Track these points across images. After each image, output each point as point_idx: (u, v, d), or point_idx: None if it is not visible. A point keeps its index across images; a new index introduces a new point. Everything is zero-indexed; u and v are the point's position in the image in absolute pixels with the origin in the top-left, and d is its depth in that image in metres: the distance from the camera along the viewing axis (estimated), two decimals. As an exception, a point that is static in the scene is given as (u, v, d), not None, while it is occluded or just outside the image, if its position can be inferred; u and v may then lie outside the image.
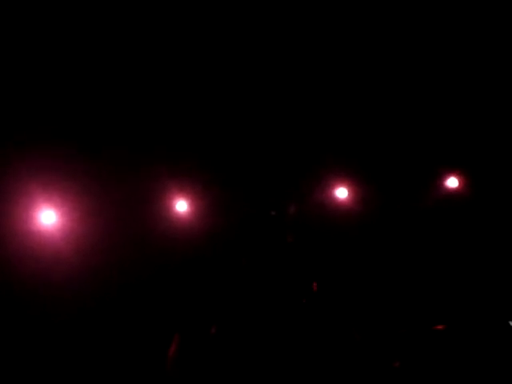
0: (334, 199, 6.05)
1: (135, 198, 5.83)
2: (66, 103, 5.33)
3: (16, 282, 5.26)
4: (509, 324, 5.33)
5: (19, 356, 5.11)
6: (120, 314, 5.48)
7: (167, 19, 4.93)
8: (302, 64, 5.25)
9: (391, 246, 5.98)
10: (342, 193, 6.05)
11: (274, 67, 5.25)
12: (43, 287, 5.35)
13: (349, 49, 5.15)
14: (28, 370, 5.08)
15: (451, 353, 5.50)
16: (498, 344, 5.30)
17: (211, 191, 5.99)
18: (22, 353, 5.16)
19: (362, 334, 5.58)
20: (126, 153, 5.60)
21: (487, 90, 5.24)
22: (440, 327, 5.63)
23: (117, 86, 5.32)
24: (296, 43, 5.11)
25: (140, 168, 5.71)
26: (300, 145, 5.80)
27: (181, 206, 5.92)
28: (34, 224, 5.35)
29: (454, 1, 4.81)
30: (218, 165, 5.83)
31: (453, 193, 5.87)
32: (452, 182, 5.90)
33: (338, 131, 5.74)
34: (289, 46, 5.12)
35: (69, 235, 5.42)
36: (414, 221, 5.96)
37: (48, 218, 5.39)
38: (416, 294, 5.85)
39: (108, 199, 5.70)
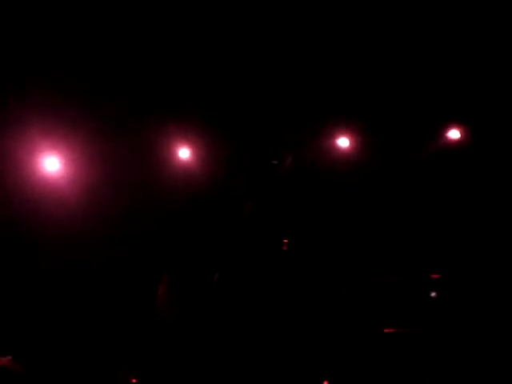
0: (335, 149, 6.07)
1: (139, 145, 5.85)
2: (71, 48, 5.29)
3: (20, 229, 5.34)
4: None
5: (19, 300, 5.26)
6: (122, 259, 5.59)
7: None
8: (302, 11, 5.18)
9: (391, 196, 6.02)
10: (343, 142, 6.07)
11: (274, 15, 5.18)
12: (47, 235, 5.44)
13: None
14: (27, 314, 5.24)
15: (447, 303, 5.65)
16: (494, 294, 5.43)
17: (214, 139, 6.01)
18: (23, 298, 5.31)
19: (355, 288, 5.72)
20: (130, 99, 5.59)
21: (490, 39, 5.16)
22: (436, 276, 5.75)
23: (122, 32, 5.27)
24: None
25: (144, 115, 5.71)
26: (301, 94, 5.76)
27: (183, 153, 5.95)
28: (37, 171, 5.40)
29: None
30: (221, 114, 5.82)
31: (454, 144, 5.87)
32: (454, 134, 5.89)
33: (340, 80, 5.69)
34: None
35: (72, 182, 5.47)
36: (415, 172, 5.98)
37: (52, 164, 5.43)
38: (414, 244, 5.94)
39: (112, 146, 5.73)
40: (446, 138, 5.91)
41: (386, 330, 5.65)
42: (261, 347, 3.28)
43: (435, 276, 5.81)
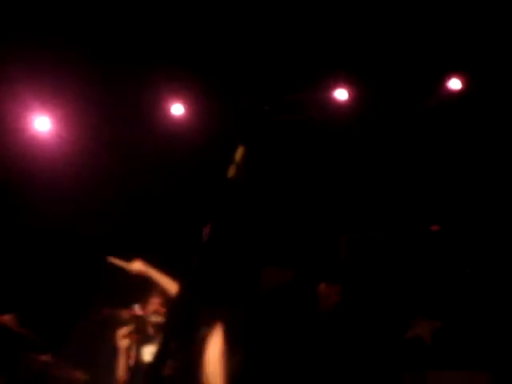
0: (333, 101, 5.93)
1: (130, 103, 5.78)
2: (61, 6, 5.17)
3: (11, 191, 5.36)
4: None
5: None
6: (117, 223, 5.58)
7: None
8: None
9: (390, 148, 5.90)
10: (341, 94, 5.92)
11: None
12: (38, 196, 5.46)
13: None
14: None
15: (446, 255, 5.60)
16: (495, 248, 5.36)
17: (207, 94, 5.90)
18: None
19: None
20: (121, 56, 5.49)
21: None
22: (435, 228, 5.68)
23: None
24: None
25: (135, 72, 5.61)
26: (297, 46, 5.59)
27: (177, 109, 5.87)
28: (27, 130, 5.38)
29: None
30: (214, 68, 5.69)
31: (455, 95, 5.69)
32: (454, 84, 5.70)
33: (336, 29, 5.50)
34: None
35: (63, 141, 5.45)
36: (416, 124, 5.83)
37: (42, 124, 5.41)
38: (414, 196, 5.85)
39: (103, 104, 5.67)
40: (447, 88, 5.72)
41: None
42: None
43: (435, 228, 5.73)
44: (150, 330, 4.00)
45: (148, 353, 3.95)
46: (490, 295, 5.24)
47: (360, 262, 5.85)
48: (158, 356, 1.92)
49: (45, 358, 4.03)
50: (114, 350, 4.15)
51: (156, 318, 4.00)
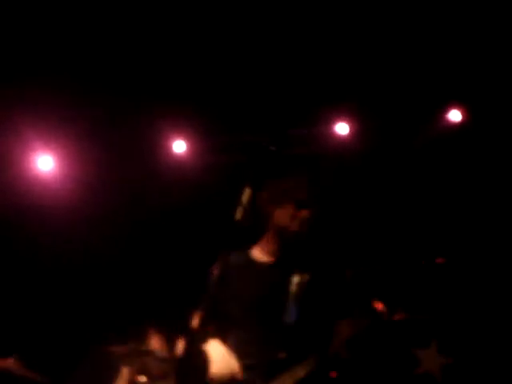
0: (334, 135, 5.95)
1: (132, 140, 5.81)
2: (63, 47, 5.24)
3: (13, 229, 5.34)
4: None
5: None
6: (122, 259, 5.55)
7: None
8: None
9: (393, 182, 5.90)
10: (342, 128, 5.95)
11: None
12: (41, 234, 5.44)
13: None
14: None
15: (452, 287, 5.55)
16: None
17: (209, 130, 5.94)
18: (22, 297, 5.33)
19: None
20: (122, 95, 5.53)
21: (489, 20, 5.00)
22: (440, 260, 5.64)
23: (111, 30, 5.20)
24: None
25: (137, 110, 5.65)
26: (297, 81, 5.65)
27: (178, 146, 5.88)
28: (30, 170, 5.39)
29: None
30: (215, 104, 5.73)
31: (455, 127, 5.72)
32: (455, 116, 5.73)
33: (336, 63, 5.56)
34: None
35: (66, 181, 5.45)
36: (416, 156, 5.84)
37: (45, 163, 5.42)
38: (418, 229, 5.83)
39: (105, 143, 5.70)
40: (447, 119, 5.75)
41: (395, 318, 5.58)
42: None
43: (440, 261, 5.69)
44: (155, 369, 3.91)
45: None
46: (499, 328, 5.18)
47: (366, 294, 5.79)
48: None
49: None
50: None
51: (161, 354, 3.91)
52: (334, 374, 3.08)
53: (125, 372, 4.06)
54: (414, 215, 5.81)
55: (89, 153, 5.60)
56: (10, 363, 4.07)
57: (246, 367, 2.73)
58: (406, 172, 5.86)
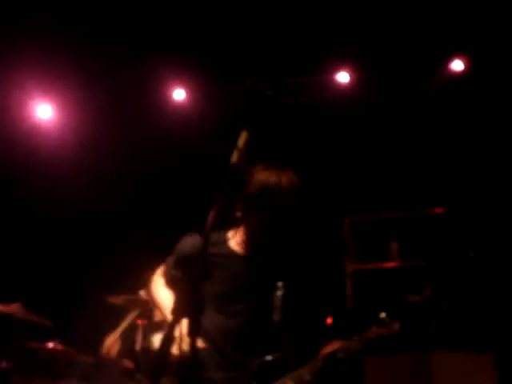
0: (334, 84, 5.89)
1: (132, 89, 5.76)
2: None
3: (12, 177, 5.35)
4: None
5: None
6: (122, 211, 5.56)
7: None
8: None
9: (393, 130, 5.87)
10: (343, 77, 5.88)
11: None
12: (40, 183, 5.46)
13: None
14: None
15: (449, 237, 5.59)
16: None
17: (209, 78, 5.87)
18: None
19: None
20: (122, 43, 5.45)
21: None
22: (438, 210, 5.67)
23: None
24: None
25: (137, 58, 5.58)
26: (299, 28, 5.55)
27: (178, 94, 5.84)
28: (30, 118, 5.37)
29: None
30: (215, 52, 5.65)
31: (458, 76, 5.64)
32: (457, 65, 5.66)
33: (338, 11, 5.45)
34: None
35: (66, 129, 5.44)
36: (418, 106, 5.79)
37: (44, 112, 5.40)
38: (418, 178, 5.83)
39: (105, 92, 5.65)
40: (449, 69, 5.68)
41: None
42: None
43: (439, 210, 5.72)
44: (157, 316, 3.98)
45: (156, 341, 3.95)
46: (492, 277, 5.24)
47: (363, 244, 5.85)
48: (165, 341, 1.93)
49: (53, 344, 4.06)
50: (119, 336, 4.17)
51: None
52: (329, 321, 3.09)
53: (126, 317, 4.15)
54: (413, 164, 5.80)
55: (88, 102, 5.57)
56: (14, 308, 4.15)
57: (233, 366, 2.63)
58: (406, 122, 5.82)
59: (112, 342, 4.18)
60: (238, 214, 2.80)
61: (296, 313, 2.81)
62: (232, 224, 2.87)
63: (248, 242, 2.82)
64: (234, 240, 2.86)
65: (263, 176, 2.76)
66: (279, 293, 2.77)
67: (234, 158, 2.13)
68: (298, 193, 2.78)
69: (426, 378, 4.48)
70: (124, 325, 4.24)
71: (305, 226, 2.98)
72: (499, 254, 5.32)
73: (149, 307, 3.96)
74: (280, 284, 2.78)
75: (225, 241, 2.86)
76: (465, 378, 4.46)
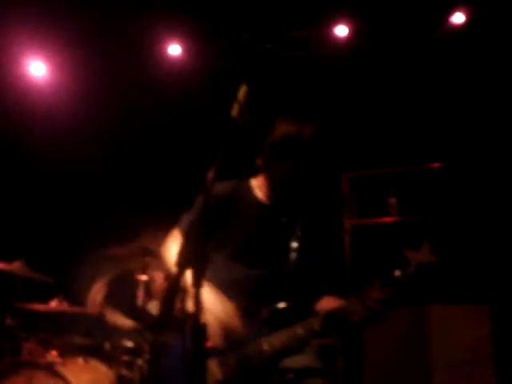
0: (332, 38, 5.80)
1: (127, 44, 5.65)
2: None
3: (6, 135, 5.30)
4: None
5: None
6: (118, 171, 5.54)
7: None
8: None
9: (391, 85, 5.81)
10: (341, 30, 5.79)
11: None
12: (36, 140, 5.41)
13: None
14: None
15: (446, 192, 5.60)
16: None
17: (205, 32, 5.77)
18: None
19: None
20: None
21: None
22: (436, 165, 5.67)
23: None
24: None
25: (131, 13, 5.46)
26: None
27: (174, 49, 5.74)
28: (23, 76, 5.29)
29: None
30: (211, 5, 5.53)
31: (458, 29, 5.55)
32: (458, 18, 5.56)
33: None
34: None
35: (59, 87, 5.36)
36: (416, 59, 5.71)
37: (37, 69, 5.32)
38: (415, 133, 5.80)
39: (99, 48, 5.55)
40: (450, 22, 5.58)
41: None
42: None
43: (436, 165, 5.72)
44: (156, 268, 3.96)
45: (153, 308, 3.97)
46: (488, 232, 5.28)
47: (361, 199, 5.87)
48: (169, 293, 1.94)
49: (56, 302, 4.09)
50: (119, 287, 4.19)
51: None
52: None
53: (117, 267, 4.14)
54: (411, 119, 5.77)
55: (82, 57, 5.47)
56: (15, 266, 4.16)
57: (245, 313, 2.63)
58: (405, 76, 5.75)
59: (97, 290, 4.19)
60: (259, 161, 2.85)
61: (311, 262, 2.85)
62: (254, 172, 2.91)
63: (270, 191, 2.84)
64: (258, 188, 2.89)
65: (285, 126, 2.82)
66: (295, 244, 2.80)
67: (234, 111, 2.11)
68: (319, 142, 2.85)
69: (423, 331, 4.55)
70: (112, 273, 4.23)
71: (324, 175, 2.96)
72: (495, 209, 5.35)
73: (146, 263, 3.93)
74: (297, 233, 2.81)
75: (248, 189, 2.89)
76: (461, 330, 4.53)
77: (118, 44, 5.63)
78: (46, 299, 4.14)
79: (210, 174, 2.15)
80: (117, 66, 5.64)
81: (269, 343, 2.58)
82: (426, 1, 5.51)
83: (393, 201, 5.72)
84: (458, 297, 4.82)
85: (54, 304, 4.08)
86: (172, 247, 2.79)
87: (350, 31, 5.74)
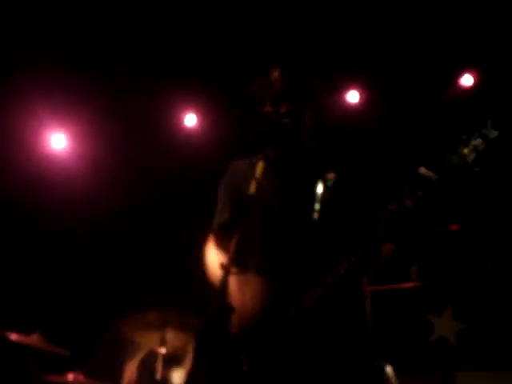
0: (344, 103, 5.90)
1: (144, 115, 5.79)
2: (75, 24, 5.20)
3: (27, 207, 5.37)
4: None
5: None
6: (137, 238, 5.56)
7: None
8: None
9: (404, 149, 5.85)
10: (353, 96, 5.90)
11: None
12: (56, 212, 5.48)
13: None
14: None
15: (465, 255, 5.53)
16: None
17: (221, 103, 5.90)
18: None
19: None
20: (133, 69, 5.49)
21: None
22: (455, 227, 5.63)
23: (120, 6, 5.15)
24: None
25: (148, 84, 5.61)
26: (306, 48, 5.57)
27: (190, 119, 5.87)
28: (43, 148, 5.41)
29: None
30: (227, 77, 5.67)
31: (467, 91, 5.64)
32: (467, 80, 5.66)
33: (344, 30, 5.48)
34: None
35: (79, 158, 5.47)
36: (430, 121, 5.78)
37: (58, 141, 5.45)
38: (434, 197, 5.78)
39: (117, 118, 5.69)
40: (459, 84, 5.68)
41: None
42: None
43: (454, 227, 5.67)
44: (175, 341, 3.92)
45: (176, 377, 3.92)
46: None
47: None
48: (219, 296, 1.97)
49: (73, 375, 4.05)
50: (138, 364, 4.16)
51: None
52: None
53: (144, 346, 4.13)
54: (426, 184, 5.76)
55: (101, 128, 5.61)
56: (33, 339, 4.14)
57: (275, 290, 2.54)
58: (418, 139, 5.80)
59: (131, 371, 4.17)
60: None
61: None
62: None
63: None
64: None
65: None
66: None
67: (252, 188, 2.14)
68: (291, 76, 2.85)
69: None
70: (142, 353, 4.23)
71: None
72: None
73: (168, 331, 3.90)
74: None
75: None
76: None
77: (136, 114, 5.78)
78: (62, 371, 4.10)
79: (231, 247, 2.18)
80: (134, 135, 5.76)
81: None
82: (435, 66, 5.63)
83: (413, 267, 5.66)
84: (485, 363, 4.70)
85: (71, 377, 4.04)
86: (210, 252, 2.86)
87: (361, 97, 5.85)
